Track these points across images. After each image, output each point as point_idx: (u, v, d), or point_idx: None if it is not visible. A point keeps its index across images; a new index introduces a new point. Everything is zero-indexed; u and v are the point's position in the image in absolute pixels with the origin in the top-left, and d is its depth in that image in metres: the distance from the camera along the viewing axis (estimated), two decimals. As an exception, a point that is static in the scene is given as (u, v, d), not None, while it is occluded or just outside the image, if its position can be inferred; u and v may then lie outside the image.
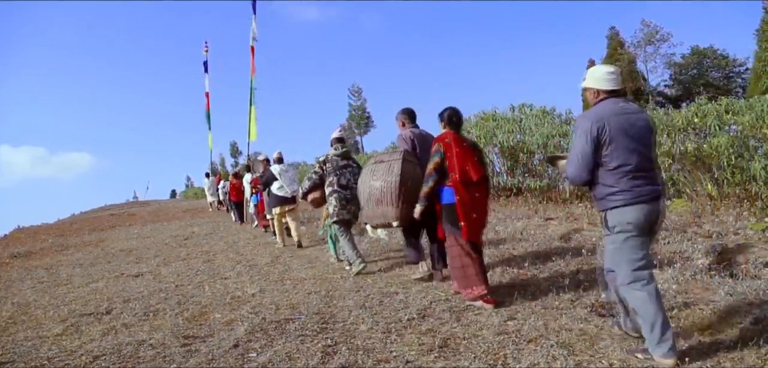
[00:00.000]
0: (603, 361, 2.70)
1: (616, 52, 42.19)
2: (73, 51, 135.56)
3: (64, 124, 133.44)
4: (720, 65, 43.57)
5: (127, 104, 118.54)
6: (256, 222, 11.31)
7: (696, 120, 7.25)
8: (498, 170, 10.80)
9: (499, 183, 10.58)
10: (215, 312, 4.31)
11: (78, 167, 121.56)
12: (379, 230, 6.64)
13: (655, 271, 4.20)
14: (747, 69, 39.51)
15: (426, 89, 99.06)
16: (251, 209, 11.35)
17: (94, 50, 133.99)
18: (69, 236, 13.22)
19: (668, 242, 5.09)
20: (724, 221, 5.50)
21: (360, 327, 3.55)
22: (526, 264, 4.95)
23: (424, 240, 5.05)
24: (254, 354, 3.18)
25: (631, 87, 40.83)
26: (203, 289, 5.30)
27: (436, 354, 2.95)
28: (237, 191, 13.15)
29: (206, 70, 23.45)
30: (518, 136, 10.00)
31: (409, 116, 5.00)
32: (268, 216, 8.78)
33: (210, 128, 24.00)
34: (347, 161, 5.60)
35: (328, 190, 5.52)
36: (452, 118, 4.05)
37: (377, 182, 4.43)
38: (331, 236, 6.00)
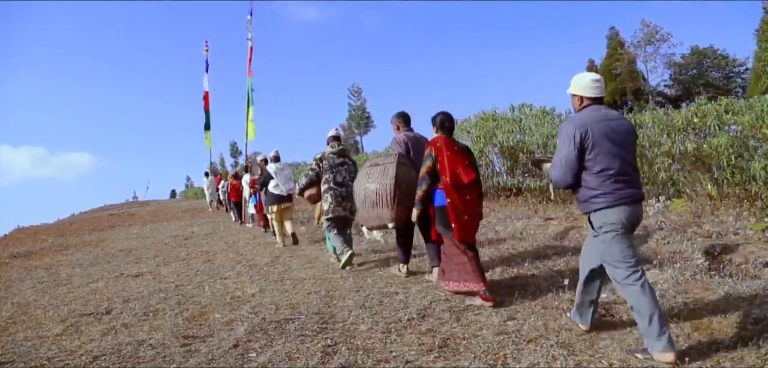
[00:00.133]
0: (603, 361, 2.70)
1: (616, 52, 42.23)
2: (73, 51, 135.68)
3: (64, 124, 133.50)
4: (720, 65, 43.60)
5: (127, 104, 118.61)
6: (251, 223, 11.43)
7: (696, 120, 7.25)
8: (498, 170, 10.80)
9: (499, 183, 10.58)
10: (215, 312, 4.31)
11: (78, 167, 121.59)
12: (374, 232, 6.72)
13: (656, 271, 4.22)
14: (747, 69, 39.54)
15: (426, 89, 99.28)
16: (251, 209, 11.37)
17: (94, 50, 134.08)
18: (69, 236, 13.22)
19: (668, 242, 5.09)
20: (724, 221, 5.50)
21: (360, 327, 3.55)
22: (526, 264, 4.95)
23: (424, 241, 5.06)
24: (254, 354, 3.18)
25: (631, 87, 40.86)
26: (203, 289, 5.30)
27: (436, 354, 2.95)
28: (237, 191, 13.19)
29: (207, 70, 23.43)
30: (518, 136, 10.00)
31: (404, 119, 5.09)
32: (269, 216, 8.83)
33: (209, 128, 23.94)
34: (343, 159, 5.72)
35: (323, 187, 5.62)
36: (444, 123, 4.16)
37: (372, 185, 4.54)
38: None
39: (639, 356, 2.66)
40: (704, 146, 6.75)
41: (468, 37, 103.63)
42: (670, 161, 7.26)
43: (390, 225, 4.55)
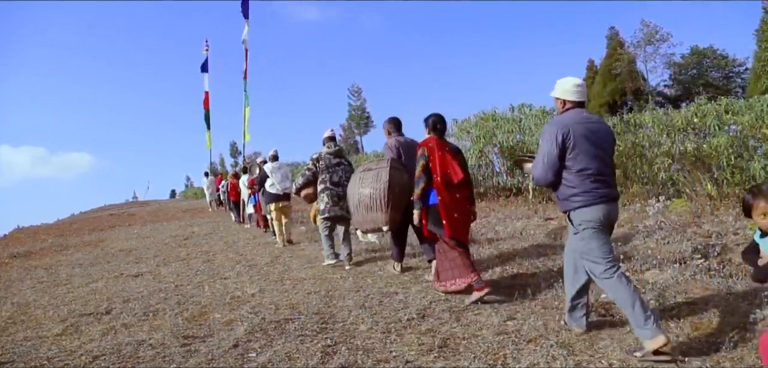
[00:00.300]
0: (603, 361, 2.70)
1: (615, 52, 42.14)
2: (73, 51, 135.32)
3: (64, 124, 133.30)
4: (720, 65, 43.54)
5: (127, 104, 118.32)
6: (250, 224, 11.49)
7: (696, 120, 7.25)
8: (498, 170, 10.81)
9: (498, 183, 10.58)
10: (215, 312, 4.31)
11: (78, 167, 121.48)
12: (369, 235, 6.85)
13: (656, 271, 4.22)
14: (746, 69, 39.51)
15: (426, 89, 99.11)
16: (250, 209, 11.40)
17: (94, 50, 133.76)
18: (69, 236, 13.21)
19: (668, 242, 5.09)
20: (724, 221, 5.50)
21: (360, 327, 3.55)
22: (526, 264, 4.95)
23: (418, 241, 5.20)
24: (254, 354, 3.18)
25: (630, 87, 40.81)
26: (203, 289, 5.30)
27: (435, 354, 2.95)
28: (236, 190, 13.22)
29: (207, 70, 23.44)
30: (518, 136, 10.00)
31: (395, 124, 5.28)
32: (268, 216, 8.89)
33: (209, 128, 23.96)
34: (339, 159, 5.84)
35: (320, 187, 5.74)
36: (436, 124, 4.29)
37: (366, 190, 4.69)
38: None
39: (637, 354, 2.68)
40: (704, 146, 6.76)
41: (468, 37, 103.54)
42: (670, 161, 7.26)
43: (385, 228, 4.70)
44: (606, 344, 2.91)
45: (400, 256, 5.18)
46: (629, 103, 38.00)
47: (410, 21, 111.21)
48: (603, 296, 3.59)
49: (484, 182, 10.82)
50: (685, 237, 5.13)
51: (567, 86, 3.01)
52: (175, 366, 3.12)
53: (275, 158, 8.33)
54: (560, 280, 4.20)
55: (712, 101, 7.67)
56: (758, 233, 2.31)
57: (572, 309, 3.13)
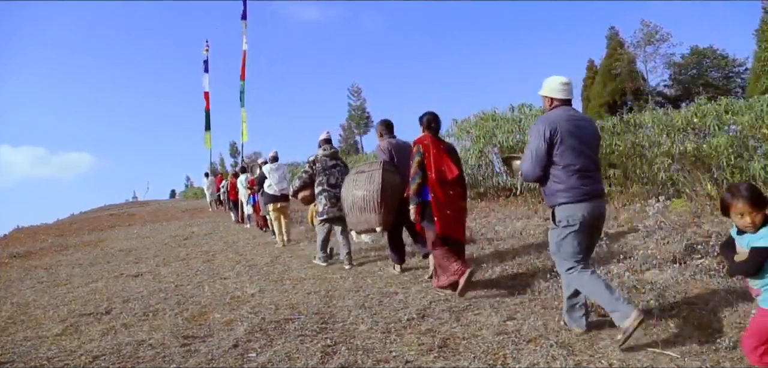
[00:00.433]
0: (602, 361, 2.70)
1: (615, 52, 42.10)
2: (73, 51, 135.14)
3: (64, 124, 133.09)
4: (719, 65, 43.52)
5: (127, 104, 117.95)
6: (249, 224, 11.53)
7: (695, 120, 7.25)
8: (498, 170, 10.79)
9: (498, 183, 10.58)
10: (215, 312, 4.31)
11: (78, 167, 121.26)
12: (363, 236, 6.90)
13: (656, 271, 4.22)
14: (746, 69, 39.48)
15: (426, 89, 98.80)
16: (249, 209, 11.42)
17: (94, 50, 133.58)
18: (68, 237, 13.21)
19: (668, 242, 5.09)
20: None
21: (359, 327, 3.55)
22: (526, 264, 4.95)
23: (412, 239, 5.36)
24: (254, 354, 3.18)
25: (630, 87, 40.81)
26: (203, 289, 5.30)
27: (435, 354, 2.95)
28: (236, 190, 13.24)
29: (206, 70, 23.47)
30: (518, 136, 9.98)
31: (387, 127, 5.36)
32: (267, 216, 8.92)
33: (209, 128, 23.99)
34: (335, 161, 5.91)
35: (317, 189, 5.79)
36: (431, 122, 4.37)
37: (359, 191, 4.76)
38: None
39: (621, 339, 2.74)
40: (704, 146, 6.75)
41: (468, 37, 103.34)
42: (670, 161, 7.26)
43: (378, 229, 4.77)
44: (606, 344, 2.91)
45: (401, 259, 5.22)
46: (629, 103, 37.97)
47: (410, 21, 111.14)
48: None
49: (483, 182, 10.82)
50: (685, 237, 5.13)
51: (554, 85, 3.09)
52: (175, 366, 3.12)
53: (275, 159, 8.37)
54: (559, 280, 4.21)
55: (712, 101, 7.66)
56: (735, 229, 2.34)
57: (570, 308, 3.14)
